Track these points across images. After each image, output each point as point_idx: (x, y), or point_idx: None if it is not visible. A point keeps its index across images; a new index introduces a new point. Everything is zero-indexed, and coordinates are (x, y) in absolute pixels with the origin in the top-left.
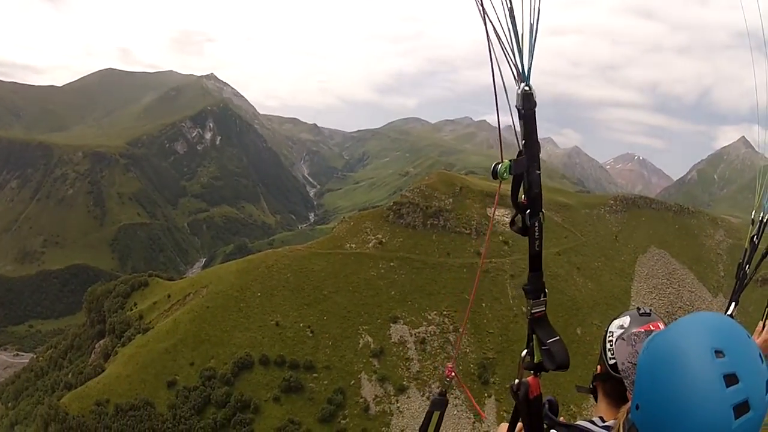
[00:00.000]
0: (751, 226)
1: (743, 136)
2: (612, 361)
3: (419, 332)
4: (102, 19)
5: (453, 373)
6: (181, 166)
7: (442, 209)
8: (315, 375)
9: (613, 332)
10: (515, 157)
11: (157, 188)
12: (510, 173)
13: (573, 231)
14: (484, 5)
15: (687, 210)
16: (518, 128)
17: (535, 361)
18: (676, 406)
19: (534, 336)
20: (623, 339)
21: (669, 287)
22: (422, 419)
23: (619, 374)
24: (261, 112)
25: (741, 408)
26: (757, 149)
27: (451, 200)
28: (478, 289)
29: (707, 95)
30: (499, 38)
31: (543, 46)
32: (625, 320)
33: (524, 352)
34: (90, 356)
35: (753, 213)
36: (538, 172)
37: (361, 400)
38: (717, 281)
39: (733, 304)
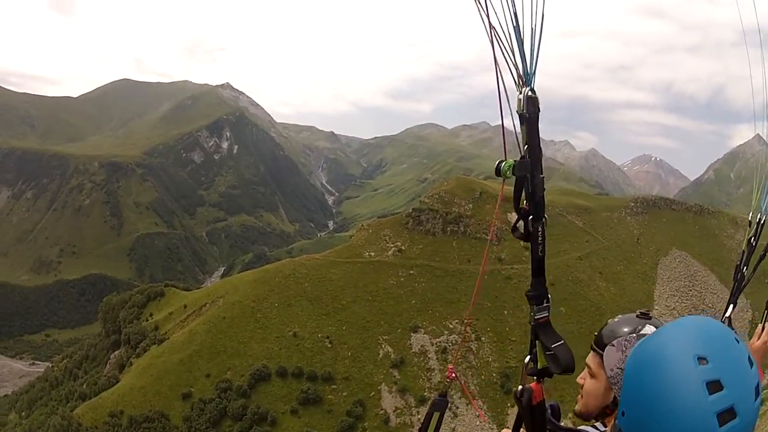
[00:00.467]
0: (748, 227)
1: (758, 134)
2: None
3: (440, 341)
4: (115, 29)
5: (454, 375)
6: (199, 175)
7: (461, 215)
8: (334, 386)
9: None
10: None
11: (175, 198)
12: (513, 173)
13: (594, 234)
14: (488, 10)
15: (707, 210)
16: (519, 132)
17: (539, 366)
18: (659, 414)
19: (537, 342)
20: (613, 345)
21: (691, 290)
22: (422, 419)
23: None
24: (277, 121)
25: (726, 415)
26: None
27: (470, 206)
28: (500, 296)
29: (720, 94)
30: (501, 42)
31: (554, 48)
32: (650, 329)
33: (527, 359)
34: (105, 367)
35: (750, 215)
36: (541, 176)
37: (381, 411)
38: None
39: (731, 306)
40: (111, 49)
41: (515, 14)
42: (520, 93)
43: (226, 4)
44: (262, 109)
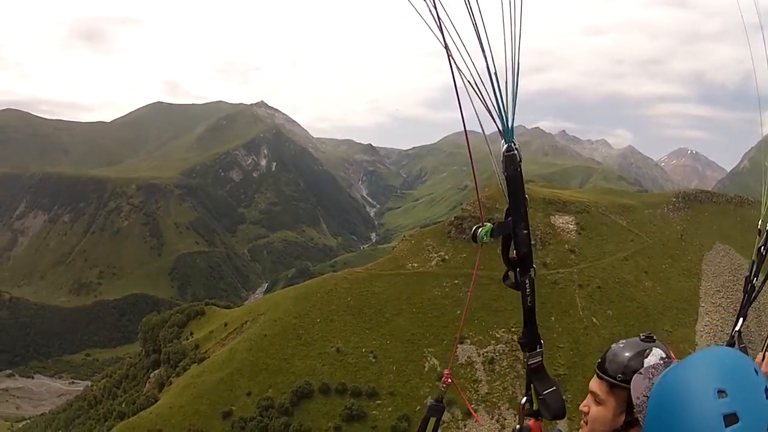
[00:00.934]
0: (758, 236)
1: None
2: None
3: (487, 352)
4: (145, 55)
5: (450, 380)
6: (238, 193)
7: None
8: (378, 402)
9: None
10: (502, 219)
11: (215, 216)
12: (492, 236)
13: (638, 233)
14: (467, 72)
15: (747, 201)
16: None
17: (534, 408)
18: None
19: (532, 385)
20: (641, 373)
21: (736, 284)
22: (419, 424)
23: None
24: (314, 136)
25: None
26: None
27: None
28: (546, 302)
29: (749, 80)
30: (479, 95)
31: (582, 46)
32: (657, 353)
33: (524, 400)
34: (144, 386)
35: (759, 223)
36: (525, 231)
37: None
38: None
39: (741, 319)
40: (144, 75)
41: (494, 72)
42: (502, 148)
43: (259, 23)
44: (299, 125)
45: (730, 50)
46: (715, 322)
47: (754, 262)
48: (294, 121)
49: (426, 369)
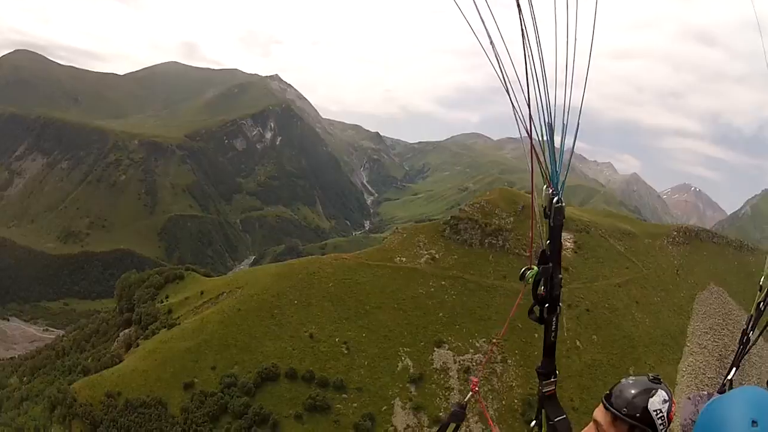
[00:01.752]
0: (759, 292)
1: None
2: (663, 430)
3: (464, 360)
4: (170, 14)
5: (477, 389)
6: (239, 162)
7: (502, 228)
8: (344, 396)
9: (660, 409)
10: (543, 263)
11: (212, 182)
12: (536, 278)
13: (635, 261)
14: (529, 124)
15: (746, 246)
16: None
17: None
18: None
19: (543, 411)
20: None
21: (724, 328)
22: (438, 429)
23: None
24: (323, 117)
25: None
26: None
27: (512, 219)
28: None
29: (765, 128)
30: (537, 155)
31: (608, 69)
32: (662, 395)
33: (533, 423)
34: (113, 344)
35: (762, 279)
36: (560, 276)
37: (391, 428)
38: None
39: (734, 369)
40: (165, 33)
41: (551, 135)
42: (550, 194)
43: None
44: (309, 103)
45: (751, 95)
46: (698, 363)
47: (752, 316)
48: (305, 99)
49: (399, 369)
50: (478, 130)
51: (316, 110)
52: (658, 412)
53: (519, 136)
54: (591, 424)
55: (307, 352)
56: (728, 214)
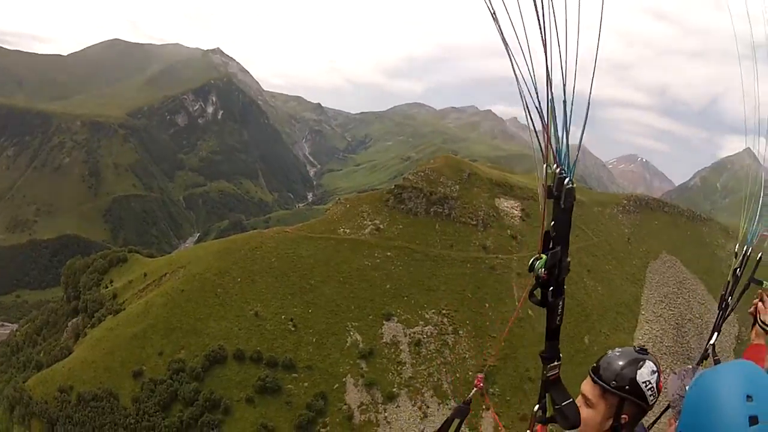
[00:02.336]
0: (734, 258)
1: (748, 147)
2: (653, 401)
3: (414, 332)
4: None
5: (481, 384)
6: (181, 139)
7: (447, 196)
8: (294, 375)
9: (649, 380)
10: (549, 249)
11: (155, 160)
12: (545, 267)
13: (585, 230)
14: (539, 103)
15: (699, 216)
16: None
17: (547, 415)
18: None
19: (547, 395)
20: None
21: (679, 297)
22: (441, 424)
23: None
24: (266, 89)
25: None
26: (762, 162)
27: (457, 187)
28: (482, 287)
29: (716, 103)
30: (546, 131)
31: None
32: (649, 366)
33: (536, 407)
34: (63, 335)
35: (737, 246)
36: (568, 260)
37: (345, 407)
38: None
39: (716, 334)
40: (108, 9)
41: (566, 115)
42: (559, 173)
43: None
44: (251, 76)
45: (703, 71)
46: (654, 331)
47: (729, 282)
48: (247, 71)
49: (348, 344)
50: (422, 101)
51: (258, 83)
52: (648, 383)
53: (523, 106)
54: (579, 397)
55: (254, 331)
56: (676, 185)
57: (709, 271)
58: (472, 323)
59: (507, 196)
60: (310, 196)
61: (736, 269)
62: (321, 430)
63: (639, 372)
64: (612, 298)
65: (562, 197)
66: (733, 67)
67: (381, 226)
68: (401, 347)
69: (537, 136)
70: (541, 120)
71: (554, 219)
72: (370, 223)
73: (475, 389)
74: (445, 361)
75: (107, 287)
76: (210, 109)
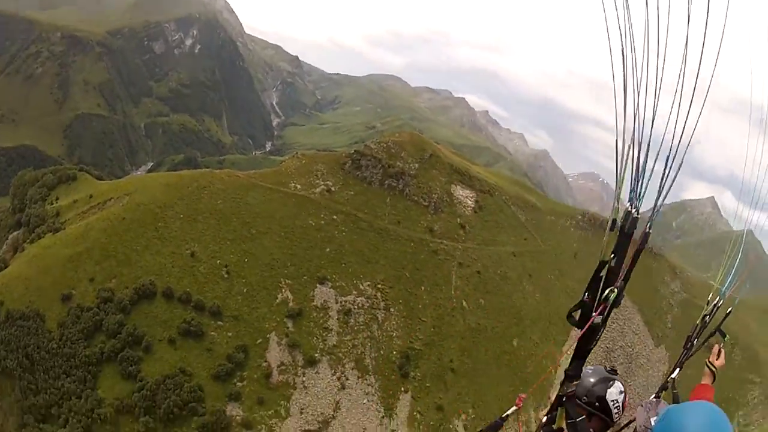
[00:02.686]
0: (706, 305)
1: (713, 197)
2: (618, 418)
3: (346, 301)
4: None
5: (521, 404)
6: (154, 66)
7: (404, 172)
8: (220, 323)
9: (616, 399)
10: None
11: (125, 83)
12: (616, 302)
13: (534, 235)
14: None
15: (650, 249)
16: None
17: (555, 427)
18: None
19: (560, 409)
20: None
21: (614, 323)
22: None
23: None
24: (247, 32)
25: None
26: (722, 214)
27: (416, 165)
28: (421, 269)
29: (691, 147)
30: (623, 165)
31: (545, 47)
32: (618, 386)
33: (545, 418)
34: (2, 246)
35: (710, 295)
36: (623, 295)
37: (265, 364)
38: (663, 331)
39: (678, 369)
40: None
41: (646, 154)
42: (631, 211)
43: None
44: (236, 16)
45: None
46: None
47: (697, 325)
48: (233, 11)
49: (278, 301)
50: (398, 74)
51: (241, 25)
52: (615, 402)
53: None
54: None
55: (187, 271)
56: None
57: (649, 304)
58: (404, 303)
59: (464, 184)
60: (268, 145)
61: (705, 316)
62: (237, 383)
63: (608, 391)
64: (548, 307)
65: (641, 241)
66: (716, 116)
67: (333, 189)
68: (330, 313)
69: (618, 172)
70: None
71: (618, 251)
72: (322, 183)
73: (514, 407)
74: (371, 335)
75: (52, 204)
76: (188, 42)
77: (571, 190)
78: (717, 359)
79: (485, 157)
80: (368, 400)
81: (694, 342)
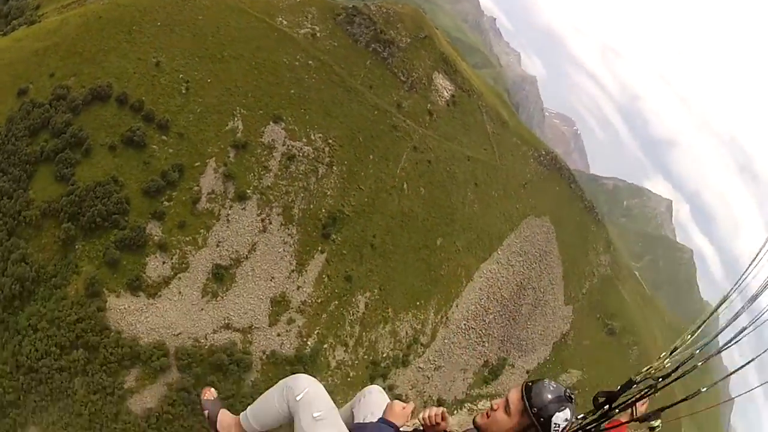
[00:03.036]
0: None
1: (671, 201)
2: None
3: (293, 146)
4: None
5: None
6: None
7: (394, 42)
8: (164, 138)
9: (559, 424)
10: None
11: None
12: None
13: (495, 149)
14: None
15: (596, 214)
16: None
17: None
18: None
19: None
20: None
21: (535, 264)
22: None
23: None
24: None
25: None
26: (672, 222)
27: (408, 40)
28: (376, 139)
29: (672, 145)
30: None
31: None
32: (567, 413)
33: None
34: None
35: (679, 340)
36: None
37: (196, 188)
38: (576, 294)
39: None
40: None
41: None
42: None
43: None
44: None
45: (680, 112)
46: (499, 275)
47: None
48: None
49: (227, 128)
50: None
51: None
52: (557, 426)
53: None
54: (502, 400)
55: (147, 79)
56: (589, 172)
57: (574, 262)
58: (348, 166)
59: (446, 75)
60: None
61: (650, 367)
62: (165, 202)
63: (557, 414)
64: (481, 221)
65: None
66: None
67: (318, 34)
68: (274, 154)
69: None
70: None
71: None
72: (309, 26)
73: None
74: (307, 187)
75: None
76: None
77: (543, 124)
78: (642, 406)
79: (475, 58)
80: (284, 250)
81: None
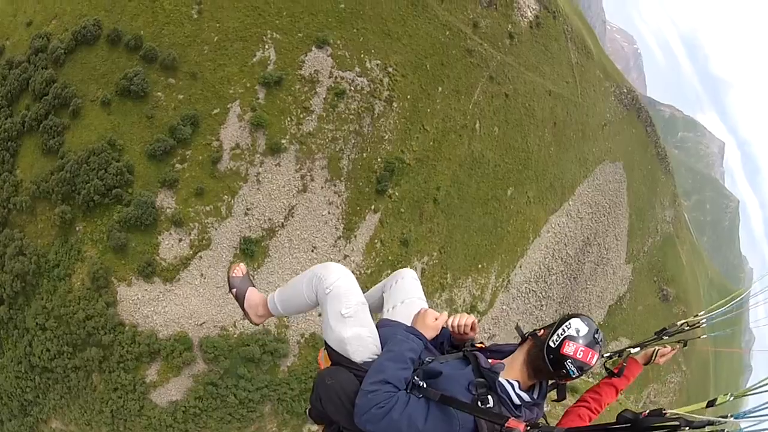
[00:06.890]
0: (693, 316)
1: (724, 144)
2: (553, 344)
3: (343, 78)
4: None
5: None
6: None
7: None
8: (171, 81)
9: (566, 329)
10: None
11: None
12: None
13: (577, 82)
14: None
15: (667, 162)
16: None
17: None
18: None
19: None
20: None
21: (603, 216)
22: None
23: (550, 360)
24: None
25: None
26: (722, 165)
27: None
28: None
29: (732, 87)
30: None
31: None
32: (583, 328)
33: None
34: None
35: (703, 312)
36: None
37: (216, 143)
38: (638, 251)
39: (639, 348)
40: None
41: None
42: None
43: None
44: None
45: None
46: (566, 229)
47: (677, 326)
48: None
49: (255, 59)
50: None
51: None
52: (567, 327)
53: None
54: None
55: (146, 6)
56: (647, 94)
57: (640, 215)
58: (412, 101)
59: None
60: None
61: (686, 322)
62: (177, 165)
63: (575, 318)
64: (556, 167)
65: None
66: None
67: None
68: (318, 90)
69: None
70: None
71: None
72: None
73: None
74: (359, 130)
75: None
76: None
77: (604, 37)
78: (662, 357)
79: None
80: (329, 212)
81: (664, 337)
